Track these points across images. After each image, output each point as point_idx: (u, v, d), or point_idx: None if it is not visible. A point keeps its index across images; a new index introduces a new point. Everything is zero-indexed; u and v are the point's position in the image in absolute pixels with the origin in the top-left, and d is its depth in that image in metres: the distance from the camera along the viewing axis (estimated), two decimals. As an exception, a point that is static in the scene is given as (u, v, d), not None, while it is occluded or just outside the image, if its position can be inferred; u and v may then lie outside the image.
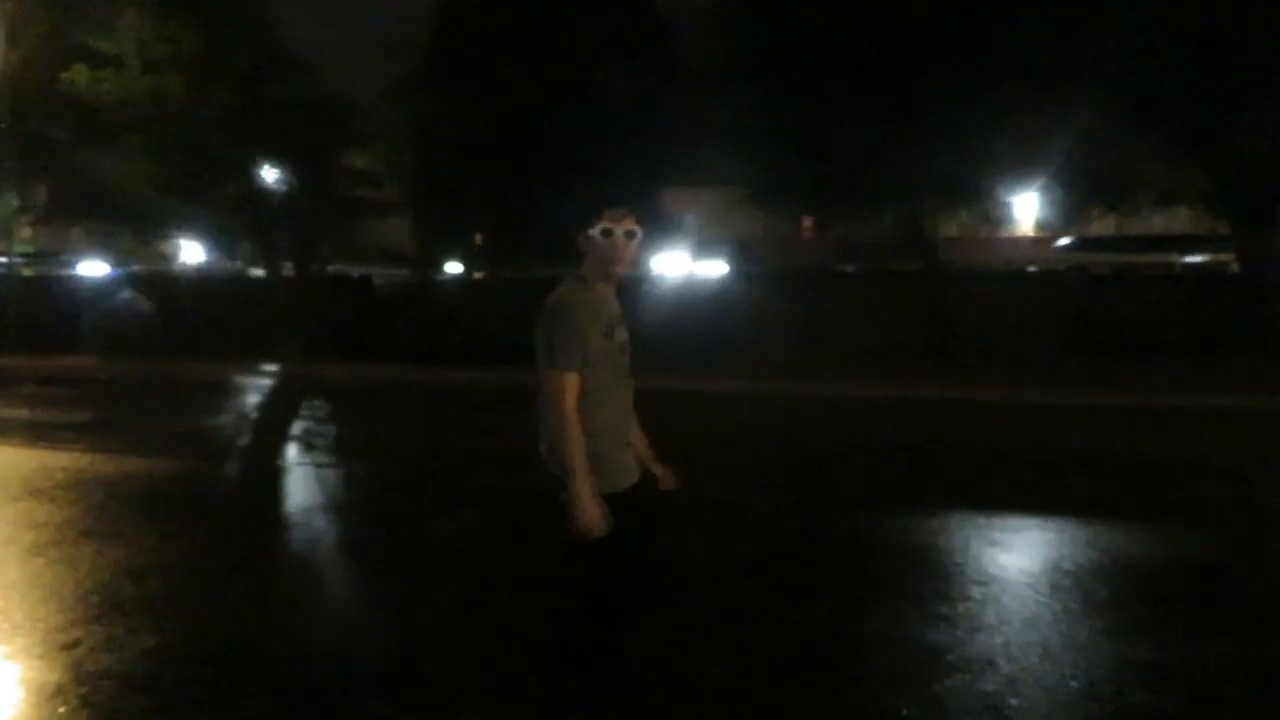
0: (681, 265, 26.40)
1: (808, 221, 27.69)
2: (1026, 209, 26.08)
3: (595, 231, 2.90)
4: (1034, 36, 13.57)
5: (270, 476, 8.14)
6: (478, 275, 23.81)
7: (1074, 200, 16.97)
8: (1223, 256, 22.09)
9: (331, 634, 4.22)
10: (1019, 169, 16.05)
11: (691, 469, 3.24)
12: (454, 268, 25.04)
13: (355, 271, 25.54)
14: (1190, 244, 24.83)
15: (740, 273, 24.16)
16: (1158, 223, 28.07)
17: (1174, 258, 26.35)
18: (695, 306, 18.72)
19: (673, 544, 4.51)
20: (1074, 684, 3.65)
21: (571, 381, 2.81)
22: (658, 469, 3.12)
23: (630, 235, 2.92)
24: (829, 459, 8.93)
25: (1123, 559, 5.34)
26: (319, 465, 8.38)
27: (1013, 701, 3.49)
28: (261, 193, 20.09)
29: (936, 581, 4.91)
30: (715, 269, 26.15)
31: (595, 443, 2.84)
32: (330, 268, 25.11)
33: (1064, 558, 5.34)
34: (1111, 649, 4.02)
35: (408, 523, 6.30)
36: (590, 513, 2.73)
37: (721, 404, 13.25)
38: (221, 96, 18.13)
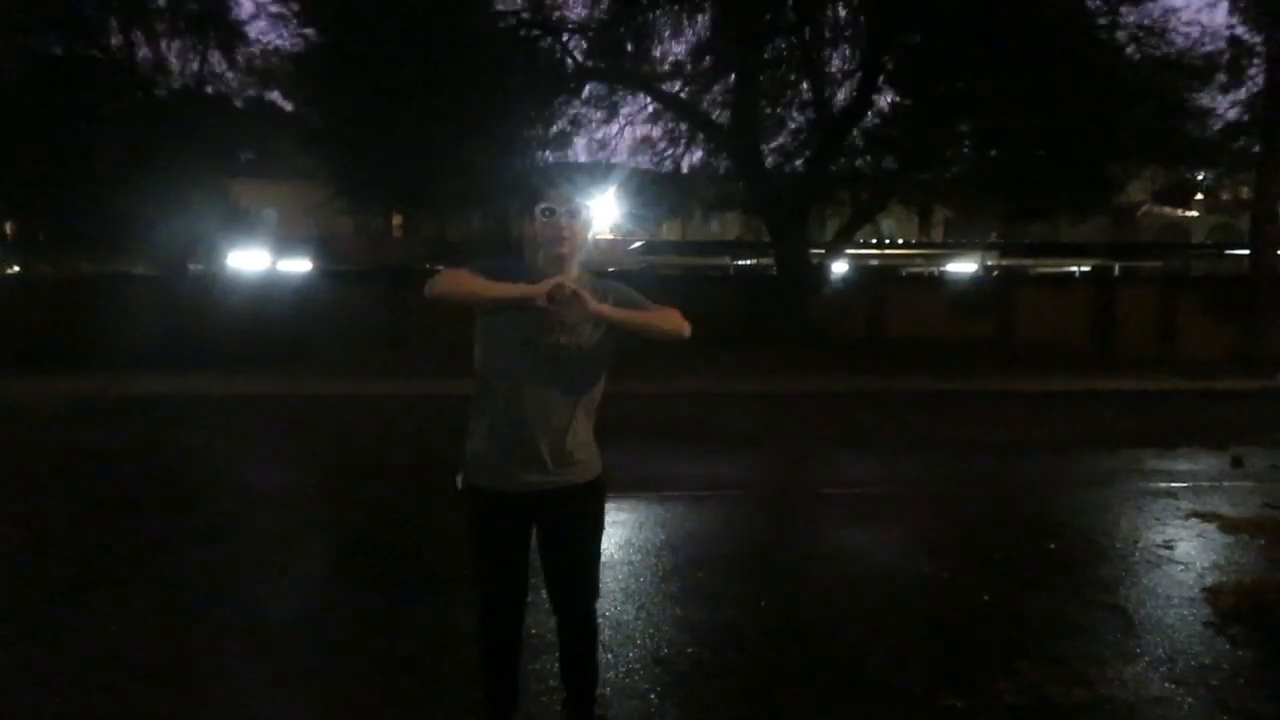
0: (261, 262, 24.67)
1: (397, 219, 27.27)
2: (603, 213, 27.92)
3: (538, 211, 2.66)
4: (599, 55, 14.51)
5: None
6: (10, 270, 20.50)
7: (641, 205, 18.46)
8: (765, 260, 25.19)
9: None
10: (593, 175, 17.10)
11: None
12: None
13: None
14: (741, 248, 28.20)
15: (324, 271, 23.18)
16: (716, 229, 31.45)
17: (728, 260, 29.71)
18: (274, 305, 17.71)
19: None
20: (646, 646, 3.94)
21: (463, 271, 2.63)
22: None
23: (574, 214, 2.67)
24: (417, 458, 8.86)
25: (684, 532, 5.89)
26: None
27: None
28: None
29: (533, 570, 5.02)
30: (299, 266, 24.80)
31: (480, 430, 2.72)
32: None
33: (635, 534, 5.76)
34: (673, 613, 4.41)
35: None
36: (532, 289, 2.50)
37: (300, 407, 12.57)
38: None
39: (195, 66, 16.72)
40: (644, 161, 16.25)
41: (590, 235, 2.78)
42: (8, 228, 19.92)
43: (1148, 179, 20.72)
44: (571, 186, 2.71)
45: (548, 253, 2.69)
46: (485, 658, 2.95)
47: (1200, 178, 23.91)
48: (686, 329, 2.69)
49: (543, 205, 2.66)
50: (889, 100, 14.41)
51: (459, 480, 2.80)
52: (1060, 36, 13.75)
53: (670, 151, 16.77)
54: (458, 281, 2.62)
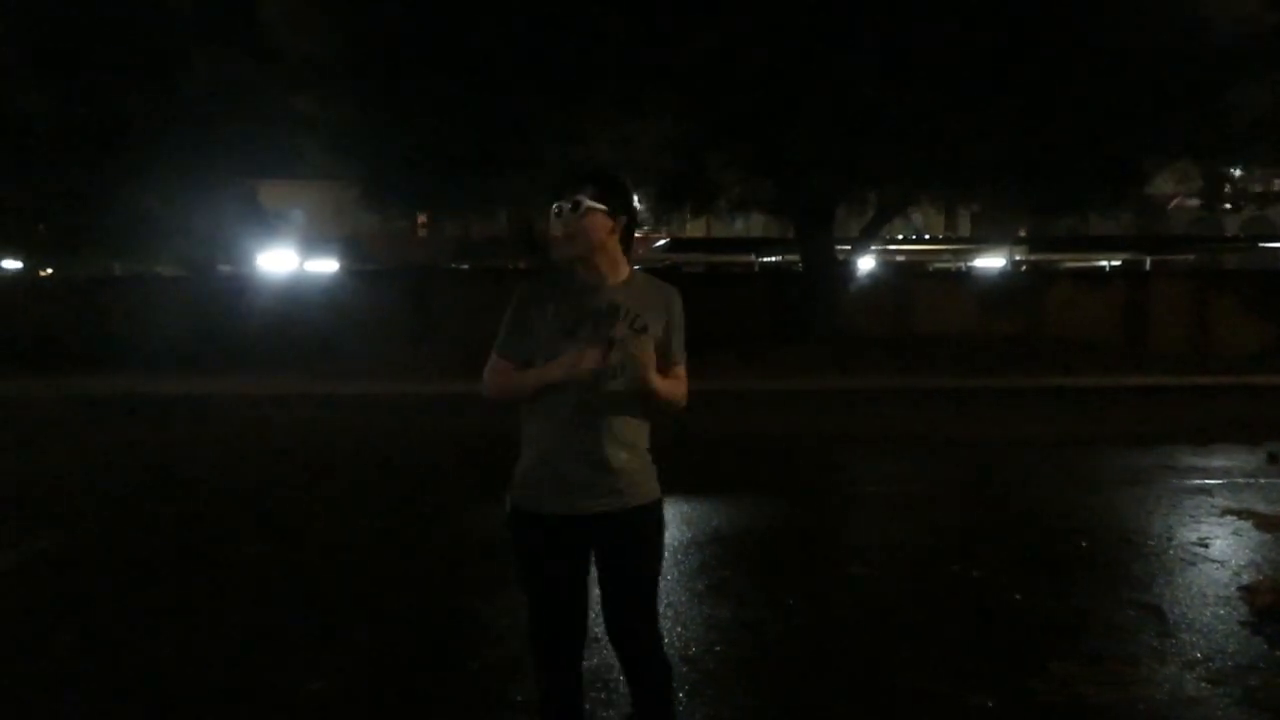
0: (289, 262, 24.90)
1: (422, 219, 27.39)
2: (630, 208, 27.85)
3: (551, 209, 2.49)
4: (621, 51, 14.47)
5: None
6: (44, 272, 20.82)
7: (665, 204, 18.40)
8: (791, 256, 25.05)
9: None
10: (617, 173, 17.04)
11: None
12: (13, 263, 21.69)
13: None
14: (766, 245, 28.09)
15: (351, 271, 23.37)
16: (741, 226, 31.34)
17: (752, 258, 29.59)
18: (302, 305, 17.90)
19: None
20: (674, 645, 3.92)
21: (496, 364, 2.55)
22: None
23: (574, 207, 2.44)
24: (438, 457, 8.90)
25: (709, 530, 5.87)
26: None
27: (618, 676, 3.66)
28: None
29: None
30: (325, 266, 25.01)
31: (528, 449, 2.53)
32: None
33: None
34: (701, 611, 4.39)
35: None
36: (577, 367, 2.37)
37: (330, 407, 12.67)
38: None
39: (223, 69, 16.84)
40: (668, 159, 16.17)
41: (611, 230, 2.50)
42: (40, 229, 20.18)
43: (1180, 170, 20.30)
44: (593, 180, 2.50)
45: (567, 253, 2.49)
46: (542, 700, 2.69)
47: (1235, 172, 23.50)
48: (684, 403, 2.65)
49: (556, 203, 2.48)
50: (915, 94, 14.24)
51: (507, 502, 2.59)
52: (1088, 28, 13.56)
53: (694, 149, 16.70)
54: (503, 384, 2.54)
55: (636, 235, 2.63)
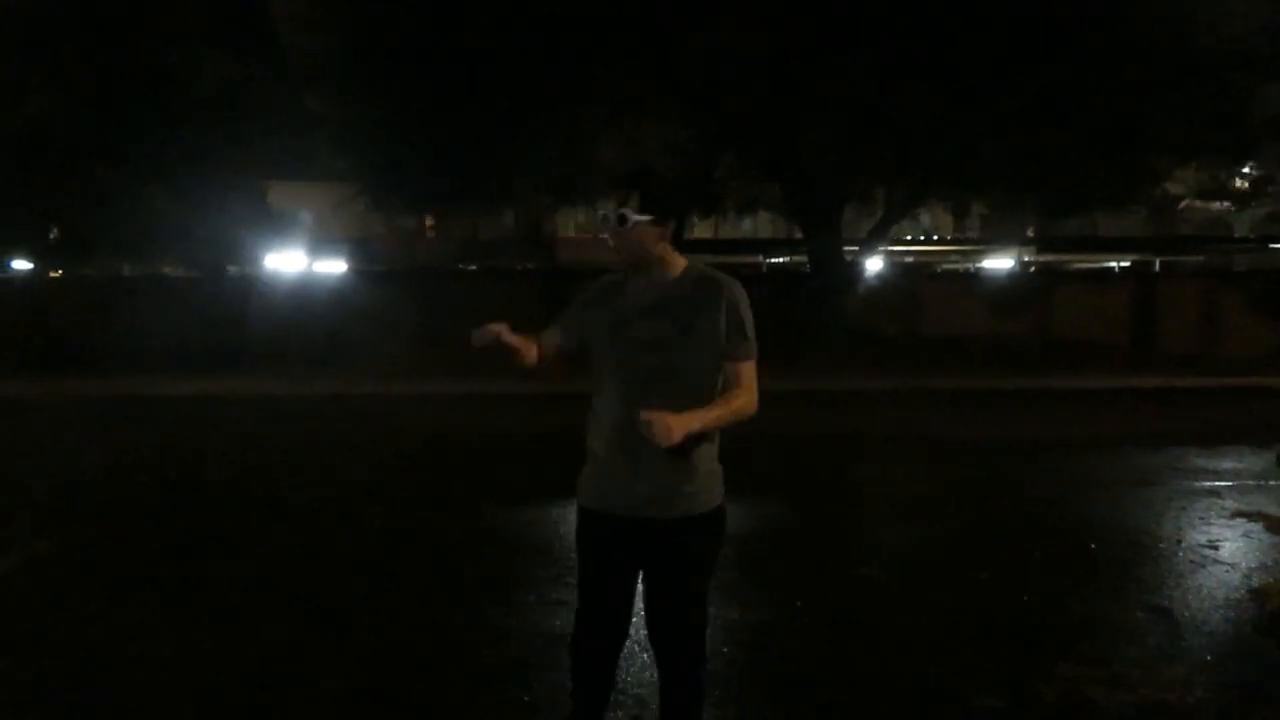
0: (297, 263, 24.97)
1: (429, 219, 27.43)
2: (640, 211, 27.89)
3: (599, 217, 2.53)
4: (631, 55, 14.48)
5: None
6: (54, 273, 20.91)
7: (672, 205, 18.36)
8: (799, 258, 25.03)
9: None
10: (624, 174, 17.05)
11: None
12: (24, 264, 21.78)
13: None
14: (773, 247, 28.08)
15: (359, 272, 23.43)
16: (749, 227, 31.32)
17: (760, 259, 29.58)
18: (311, 306, 17.97)
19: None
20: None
21: (549, 330, 2.60)
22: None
23: (621, 220, 2.42)
24: (445, 456, 8.91)
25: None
26: None
27: (625, 678, 3.67)
28: None
29: (555, 568, 5.05)
30: (334, 267, 25.07)
31: (590, 445, 2.56)
32: None
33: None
34: (709, 612, 4.38)
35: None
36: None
37: (338, 407, 12.69)
38: None
39: (232, 71, 16.91)
40: (674, 161, 16.16)
41: (660, 237, 2.48)
42: (52, 232, 20.27)
43: (1190, 170, 20.21)
44: (636, 185, 2.47)
45: (618, 261, 2.52)
46: (574, 703, 2.70)
47: (1245, 171, 23.41)
48: (754, 407, 2.52)
49: (602, 211, 2.48)
50: (922, 94, 14.20)
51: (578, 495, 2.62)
52: (1098, 27, 13.51)
53: (701, 150, 16.70)
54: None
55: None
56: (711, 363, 2.46)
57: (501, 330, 2.43)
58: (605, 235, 2.48)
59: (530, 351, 2.53)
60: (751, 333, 2.51)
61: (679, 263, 2.54)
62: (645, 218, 2.43)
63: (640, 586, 2.60)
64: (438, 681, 3.68)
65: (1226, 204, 30.40)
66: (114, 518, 6.45)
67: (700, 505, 2.48)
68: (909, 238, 29.91)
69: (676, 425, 2.25)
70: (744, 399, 2.49)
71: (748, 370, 2.51)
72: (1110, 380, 14.87)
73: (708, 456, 2.52)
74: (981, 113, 14.20)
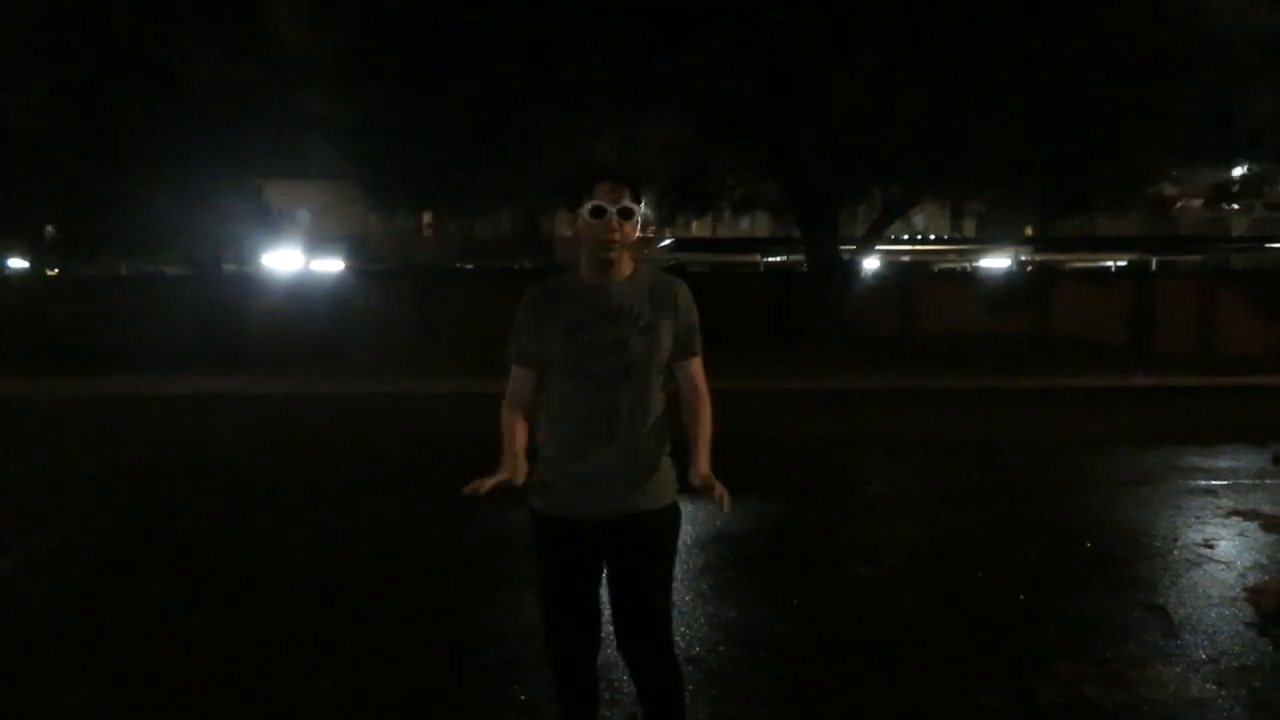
0: (295, 262, 24.95)
1: (427, 218, 27.43)
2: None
3: (585, 210, 2.39)
4: (630, 55, 14.47)
5: None
6: (50, 272, 20.88)
7: (669, 204, 18.41)
8: (796, 256, 25.04)
9: None
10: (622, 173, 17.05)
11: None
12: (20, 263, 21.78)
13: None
14: (771, 245, 28.08)
15: (356, 270, 23.42)
16: (746, 226, 31.29)
17: (758, 258, 29.57)
18: (308, 305, 17.97)
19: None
20: (679, 645, 3.92)
21: (516, 374, 2.55)
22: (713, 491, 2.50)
23: (626, 214, 2.39)
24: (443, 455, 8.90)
25: (714, 530, 5.87)
26: None
27: (624, 677, 3.66)
28: None
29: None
30: (331, 266, 25.05)
31: (544, 451, 2.52)
32: None
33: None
34: (706, 611, 4.40)
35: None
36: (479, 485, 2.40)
37: (336, 406, 12.68)
38: None
39: (227, 68, 16.87)
40: (673, 159, 16.18)
41: (640, 231, 2.52)
42: (47, 230, 20.24)
43: (1186, 171, 20.19)
44: (625, 180, 2.44)
45: (596, 255, 2.44)
46: (562, 705, 2.72)
47: (1242, 171, 23.43)
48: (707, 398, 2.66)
49: (593, 203, 2.38)
50: (919, 94, 14.24)
51: (530, 501, 2.58)
52: (1095, 28, 13.55)
53: (699, 149, 16.71)
54: (509, 405, 2.59)
55: (639, 235, 2.62)
56: (660, 359, 2.51)
57: (488, 482, 2.44)
58: (593, 228, 2.41)
59: (519, 460, 2.52)
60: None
61: (631, 263, 2.55)
62: (640, 209, 2.45)
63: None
64: (436, 681, 3.69)
65: (1223, 204, 30.47)
66: (110, 517, 6.45)
67: (665, 497, 2.58)
68: (906, 236, 29.91)
69: (710, 478, 2.49)
70: (707, 405, 2.64)
71: (700, 366, 2.64)
72: (1107, 379, 14.90)
73: (661, 449, 2.58)
74: (978, 113, 14.22)
